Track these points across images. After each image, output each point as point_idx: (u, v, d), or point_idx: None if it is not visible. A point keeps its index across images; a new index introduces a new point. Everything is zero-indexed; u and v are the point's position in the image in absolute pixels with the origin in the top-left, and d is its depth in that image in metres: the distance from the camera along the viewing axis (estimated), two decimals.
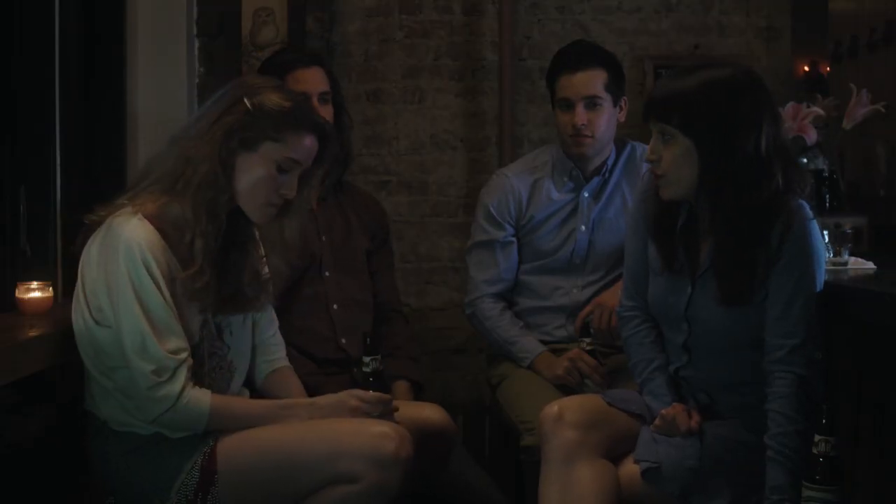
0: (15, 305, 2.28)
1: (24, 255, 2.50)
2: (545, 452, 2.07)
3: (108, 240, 1.95)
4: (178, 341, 1.95)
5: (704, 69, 2.03)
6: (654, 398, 2.13)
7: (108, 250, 1.95)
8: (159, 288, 1.93)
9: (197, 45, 3.42)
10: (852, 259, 2.46)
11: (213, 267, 2.02)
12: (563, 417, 2.06)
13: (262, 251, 2.17)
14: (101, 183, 3.01)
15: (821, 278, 2.02)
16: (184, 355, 1.95)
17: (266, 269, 2.18)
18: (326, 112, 2.59)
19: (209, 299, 2.03)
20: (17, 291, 2.28)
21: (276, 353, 2.26)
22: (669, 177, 2.02)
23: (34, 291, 2.27)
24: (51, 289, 2.31)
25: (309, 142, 2.05)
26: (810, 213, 2.01)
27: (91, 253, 1.99)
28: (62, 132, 2.67)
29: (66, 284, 2.67)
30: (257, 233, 2.16)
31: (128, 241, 1.92)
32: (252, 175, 2.02)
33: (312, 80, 2.59)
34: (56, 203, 2.63)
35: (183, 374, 1.94)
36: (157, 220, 1.97)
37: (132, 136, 3.20)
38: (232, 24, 3.46)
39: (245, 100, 2.01)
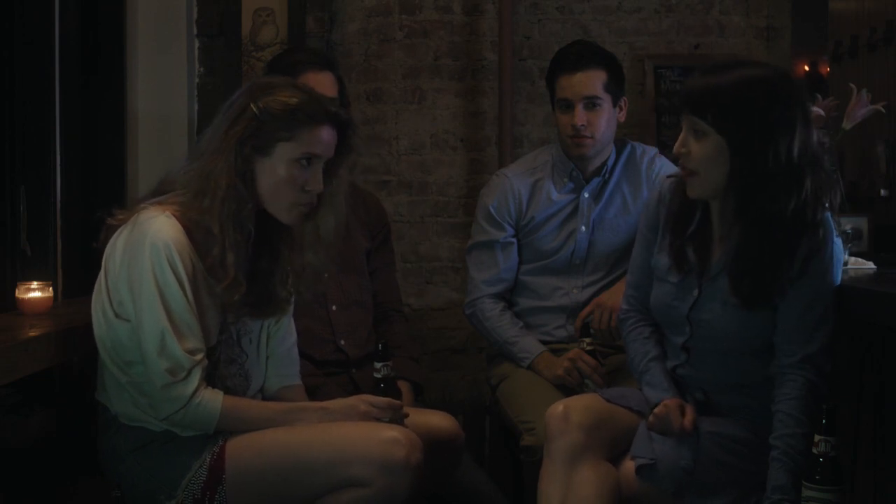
0: (15, 305, 2.28)
1: (24, 255, 2.50)
2: (549, 451, 2.06)
3: (135, 234, 1.94)
4: (195, 341, 1.95)
5: (742, 67, 2.01)
6: (651, 388, 2.13)
7: (134, 245, 1.94)
8: (182, 287, 1.93)
9: (197, 45, 3.42)
10: (852, 259, 2.46)
11: (246, 275, 2.01)
12: (569, 418, 2.05)
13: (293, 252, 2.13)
14: (101, 183, 3.02)
15: (838, 281, 2.03)
16: (200, 356, 1.95)
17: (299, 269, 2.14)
18: None
19: (241, 310, 2.04)
20: (17, 291, 2.28)
21: (289, 369, 2.22)
22: (701, 174, 2.00)
23: (34, 291, 2.27)
24: (51, 289, 2.31)
25: (324, 134, 2.02)
26: (834, 228, 2.02)
27: (116, 246, 1.98)
28: (62, 132, 2.67)
29: (66, 284, 2.67)
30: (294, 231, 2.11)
31: (154, 238, 1.92)
32: (273, 179, 2.00)
33: (322, 86, 2.56)
34: (56, 203, 2.64)
35: (197, 375, 1.93)
36: (184, 221, 1.96)
37: (132, 136, 3.21)
38: (232, 24, 3.47)
39: (251, 105, 1.99)
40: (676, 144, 2.03)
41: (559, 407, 2.08)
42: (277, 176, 2.00)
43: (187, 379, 1.92)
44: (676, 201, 2.12)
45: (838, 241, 2.03)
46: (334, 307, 2.60)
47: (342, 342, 2.59)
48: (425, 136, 3.68)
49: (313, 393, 2.33)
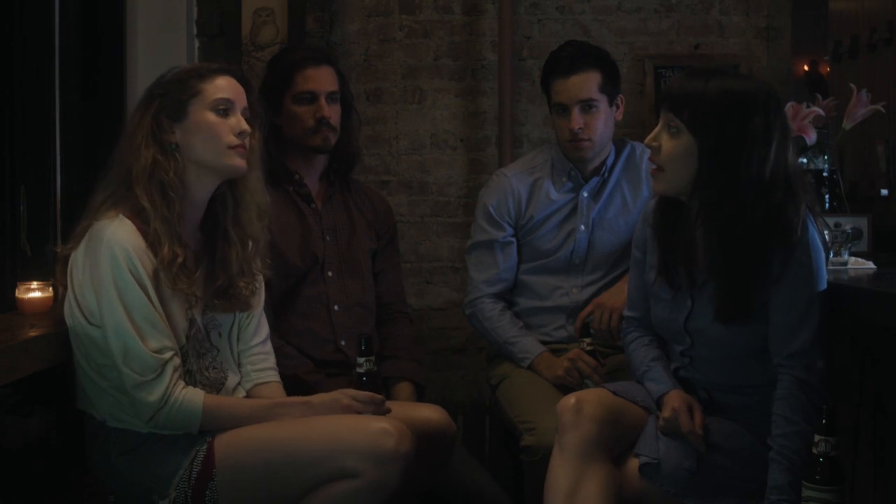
0: (15, 305, 2.28)
1: (24, 255, 2.50)
2: (562, 443, 2.06)
3: (93, 243, 1.98)
4: (163, 340, 1.96)
5: (728, 77, 2.03)
6: (654, 382, 2.14)
7: (93, 253, 1.97)
8: (143, 287, 1.95)
9: (197, 45, 3.42)
10: (852, 259, 2.46)
11: (201, 257, 2.06)
12: (582, 410, 2.05)
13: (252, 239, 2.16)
14: None
15: (823, 281, 2.02)
16: (168, 354, 1.96)
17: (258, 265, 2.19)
18: (334, 111, 2.58)
19: (197, 290, 2.05)
20: (17, 291, 2.28)
21: (262, 364, 2.23)
22: (667, 170, 2.03)
23: (34, 291, 2.27)
24: (51, 289, 2.31)
25: (223, 81, 2.08)
26: (810, 224, 2.00)
27: (77, 257, 2.01)
28: (62, 132, 2.67)
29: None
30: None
31: (110, 243, 1.95)
32: (199, 133, 2.04)
33: (322, 80, 2.57)
34: (56, 203, 2.63)
35: (168, 374, 1.95)
36: (137, 220, 1.99)
37: None
38: (232, 24, 3.47)
39: (155, 90, 2.07)
40: (648, 137, 2.06)
41: (571, 399, 2.09)
42: (202, 127, 2.05)
43: (158, 378, 1.94)
44: (657, 215, 2.14)
45: (815, 238, 2.00)
46: (336, 307, 2.60)
47: (343, 343, 2.58)
48: (425, 136, 3.68)
49: (314, 390, 2.32)
